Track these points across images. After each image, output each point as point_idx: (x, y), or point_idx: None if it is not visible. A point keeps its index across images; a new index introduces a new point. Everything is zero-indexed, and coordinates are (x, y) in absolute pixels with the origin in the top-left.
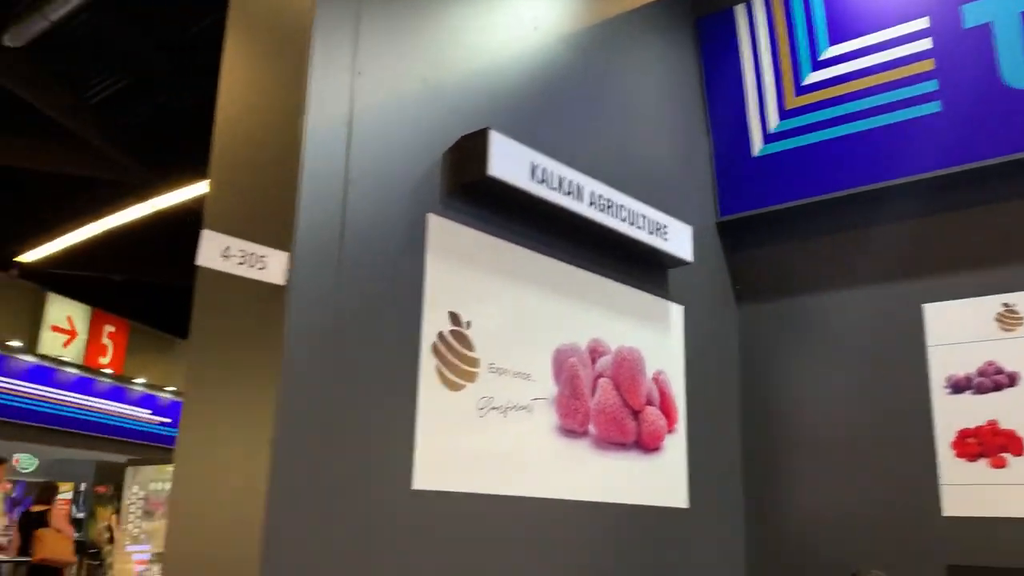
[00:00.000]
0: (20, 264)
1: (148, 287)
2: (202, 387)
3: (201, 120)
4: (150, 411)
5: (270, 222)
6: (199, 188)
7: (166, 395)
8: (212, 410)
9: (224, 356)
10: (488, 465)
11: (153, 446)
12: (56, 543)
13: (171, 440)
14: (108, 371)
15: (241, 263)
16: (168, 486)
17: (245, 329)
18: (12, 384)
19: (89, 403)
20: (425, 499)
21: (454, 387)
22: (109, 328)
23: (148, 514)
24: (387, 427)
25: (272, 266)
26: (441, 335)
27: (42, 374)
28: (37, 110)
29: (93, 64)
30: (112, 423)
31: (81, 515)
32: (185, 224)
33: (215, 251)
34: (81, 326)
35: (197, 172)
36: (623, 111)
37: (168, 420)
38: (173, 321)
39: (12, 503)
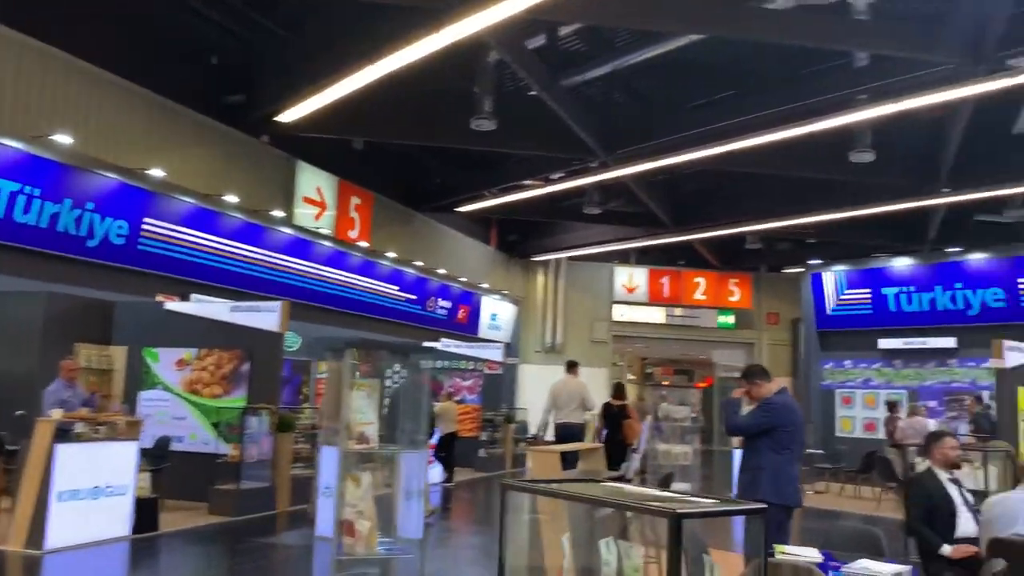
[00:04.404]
0: (273, 127)
1: (390, 155)
2: None
3: None
4: (397, 287)
5: None
6: (497, 12)
7: (412, 271)
8: None
9: None
10: None
11: (402, 324)
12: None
13: (419, 318)
14: (363, 244)
15: None
16: None
17: None
18: (272, 257)
19: (343, 278)
20: None
21: None
22: (356, 200)
23: None
24: None
25: None
26: None
27: (300, 248)
28: None
29: None
30: (363, 299)
31: None
32: (433, 79)
33: None
34: (330, 197)
35: None
36: None
37: (414, 297)
38: (414, 193)
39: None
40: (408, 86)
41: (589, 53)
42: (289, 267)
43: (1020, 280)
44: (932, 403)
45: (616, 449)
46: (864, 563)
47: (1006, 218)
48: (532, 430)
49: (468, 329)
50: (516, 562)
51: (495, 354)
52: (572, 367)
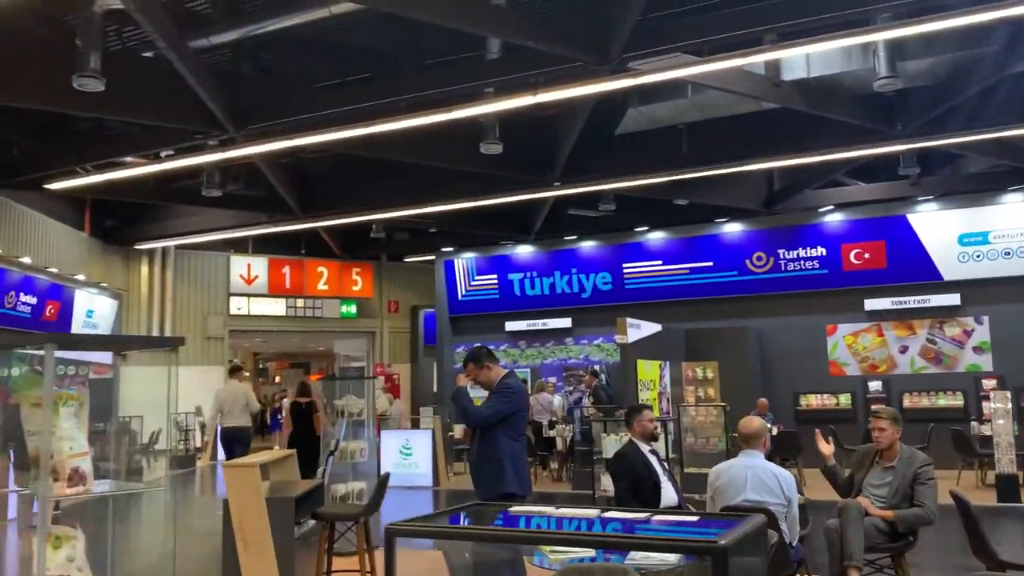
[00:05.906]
0: None
1: None
2: None
3: None
4: None
5: None
6: None
7: None
8: None
9: None
10: None
11: None
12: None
13: None
14: None
15: None
16: None
17: None
18: None
19: None
20: None
21: None
22: None
23: None
24: None
25: None
26: None
27: None
28: None
29: None
30: None
31: None
32: (18, 26)
33: None
34: None
35: None
36: None
37: None
38: None
39: None
40: None
41: (213, 16)
42: None
43: (624, 265)
44: (553, 379)
45: (309, 448)
46: (642, 553)
47: (600, 212)
48: (144, 440)
49: (59, 328)
50: None
51: (104, 356)
52: (235, 371)
